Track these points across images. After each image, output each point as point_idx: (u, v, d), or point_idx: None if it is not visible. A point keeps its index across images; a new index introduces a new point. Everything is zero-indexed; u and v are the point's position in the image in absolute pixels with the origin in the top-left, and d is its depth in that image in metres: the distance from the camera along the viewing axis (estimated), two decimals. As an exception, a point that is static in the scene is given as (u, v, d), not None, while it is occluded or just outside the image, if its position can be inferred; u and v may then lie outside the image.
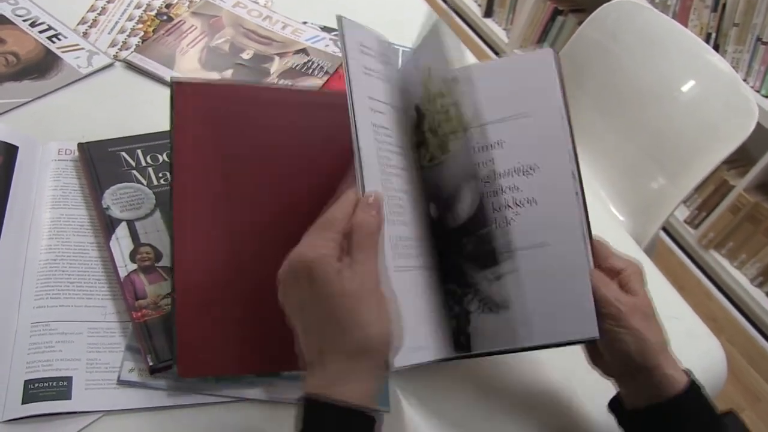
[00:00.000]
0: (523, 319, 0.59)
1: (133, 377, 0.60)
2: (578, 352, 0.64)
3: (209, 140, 0.62)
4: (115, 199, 0.72)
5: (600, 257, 0.60)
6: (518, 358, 0.70)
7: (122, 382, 0.60)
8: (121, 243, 0.68)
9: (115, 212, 0.70)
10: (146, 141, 0.78)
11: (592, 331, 0.57)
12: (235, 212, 0.62)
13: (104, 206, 0.71)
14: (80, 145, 0.76)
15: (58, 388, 0.57)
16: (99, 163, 0.74)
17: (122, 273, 0.66)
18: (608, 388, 0.62)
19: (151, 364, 0.60)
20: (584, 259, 0.59)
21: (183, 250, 0.60)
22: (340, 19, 0.57)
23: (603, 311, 0.56)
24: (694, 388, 0.57)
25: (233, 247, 0.61)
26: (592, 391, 0.67)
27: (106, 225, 0.69)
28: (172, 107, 0.62)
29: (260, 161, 0.64)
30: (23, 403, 0.56)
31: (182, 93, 0.62)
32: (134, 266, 0.66)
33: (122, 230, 0.69)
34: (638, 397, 0.58)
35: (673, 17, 1.91)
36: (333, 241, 0.50)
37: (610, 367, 0.61)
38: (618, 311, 0.56)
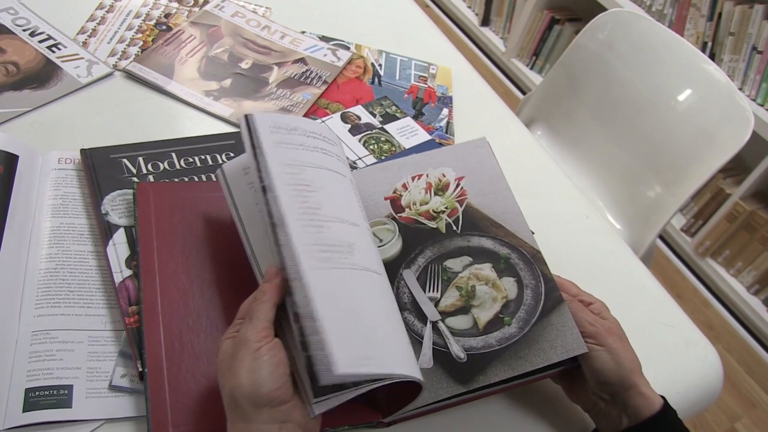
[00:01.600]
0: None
1: (125, 383, 0.60)
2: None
3: (165, 225, 0.69)
4: (114, 205, 0.72)
5: (571, 293, 0.67)
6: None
7: (114, 387, 0.60)
8: (117, 249, 0.68)
9: (114, 218, 0.71)
10: (148, 149, 0.79)
11: (581, 347, 0.61)
12: (194, 283, 0.67)
13: (103, 212, 0.71)
14: (83, 151, 0.77)
15: (59, 396, 0.58)
16: (100, 170, 0.75)
17: (117, 279, 0.66)
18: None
19: (140, 369, 0.60)
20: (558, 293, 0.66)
21: (152, 332, 0.61)
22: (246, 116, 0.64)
23: (582, 331, 0.62)
24: (669, 409, 0.61)
25: (197, 322, 0.65)
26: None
27: (104, 230, 0.70)
28: (134, 203, 0.70)
29: (210, 238, 0.71)
30: (24, 411, 0.56)
31: (142, 191, 0.71)
32: (129, 272, 0.67)
33: (120, 236, 0.70)
34: (618, 422, 0.62)
35: (669, 26, 1.92)
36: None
37: (589, 397, 0.64)
38: (596, 330, 0.62)
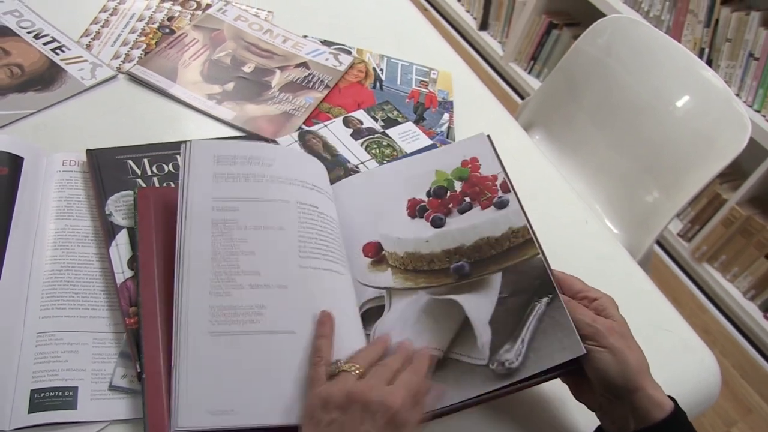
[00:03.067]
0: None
1: (125, 383, 0.61)
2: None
3: (166, 230, 0.69)
4: (118, 206, 0.72)
5: (575, 290, 0.65)
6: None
7: (114, 388, 0.60)
8: (120, 249, 0.69)
9: (117, 219, 0.71)
10: (153, 151, 0.79)
11: (578, 350, 0.59)
12: None
13: (107, 212, 0.72)
14: (88, 152, 0.77)
15: (64, 397, 0.58)
16: (105, 170, 0.76)
17: (119, 279, 0.67)
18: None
19: (139, 370, 0.60)
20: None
21: (150, 337, 0.62)
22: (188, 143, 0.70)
23: (581, 333, 0.60)
24: (680, 413, 0.59)
25: None
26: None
27: (107, 231, 0.70)
28: (135, 208, 0.71)
29: None
30: (30, 412, 0.57)
31: (143, 196, 0.72)
32: (131, 273, 0.67)
33: (122, 237, 0.70)
34: (625, 424, 0.59)
35: (667, 32, 1.93)
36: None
37: (595, 397, 0.62)
38: (595, 331, 0.59)
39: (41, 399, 0.57)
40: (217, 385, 0.58)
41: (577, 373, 0.61)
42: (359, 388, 0.54)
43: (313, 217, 0.69)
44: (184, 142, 0.69)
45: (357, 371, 0.57)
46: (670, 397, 0.60)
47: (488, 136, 0.76)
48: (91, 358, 0.61)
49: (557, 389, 0.68)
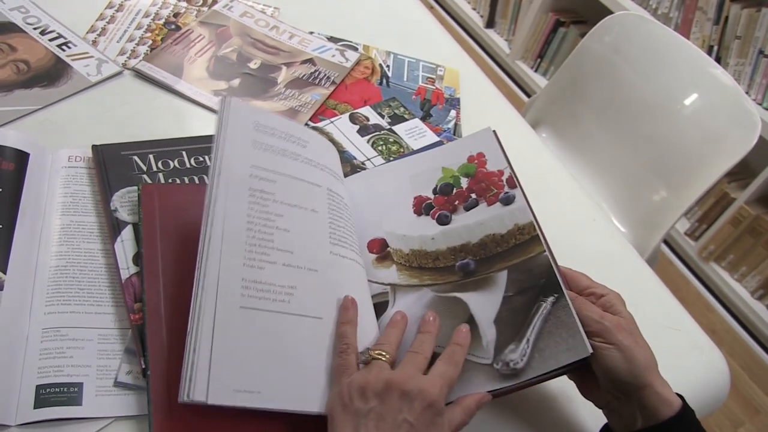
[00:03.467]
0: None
1: (130, 380, 0.61)
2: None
3: (169, 227, 0.69)
4: (123, 201, 0.72)
5: (582, 286, 0.64)
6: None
7: (119, 384, 0.60)
8: (125, 245, 0.69)
9: (123, 215, 0.71)
10: (159, 147, 0.79)
11: (584, 351, 0.58)
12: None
13: (112, 208, 0.71)
14: (94, 147, 0.77)
15: (69, 393, 0.58)
16: (111, 166, 0.75)
17: (124, 275, 0.66)
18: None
19: (143, 366, 0.60)
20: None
21: (155, 334, 0.61)
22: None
23: (588, 330, 0.59)
24: (688, 411, 0.58)
25: None
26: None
27: (112, 227, 0.70)
28: (139, 204, 0.71)
29: None
30: (35, 407, 0.56)
31: (147, 193, 0.71)
32: (136, 269, 0.67)
33: (128, 233, 0.70)
34: (633, 422, 0.59)
35: (675, 30, 1.92)
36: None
37: (602, 394, 0.61)
38: (603, 327, 0.59)
39: (47, 395, 0.57)
40: (245, 363, 0.55)
41: (584, 370, 0.61)
42: (398, 377, 0.54)
43: (340, 206, 0.69)
44: (223, 97, 0.66)
45: (387, 357, 0.57)
46: (678, 394, 0.59)
47: (494, 131, 0.75)
48: (96, 354, 0.61)
49: (564, 386, 0.68)
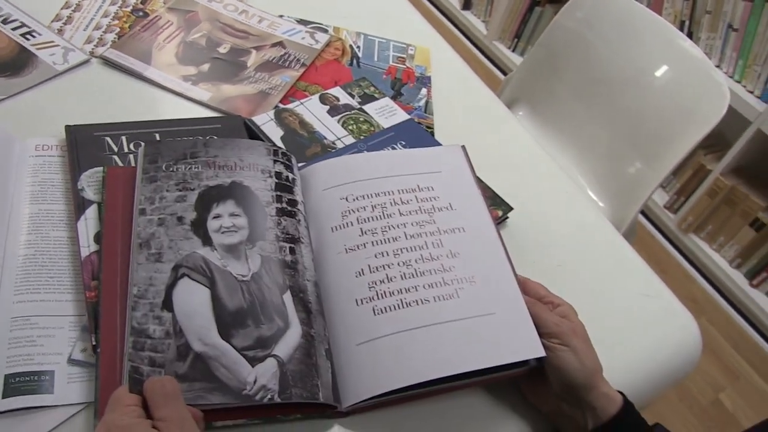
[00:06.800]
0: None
1: (83, 357, 0.60)
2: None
3: (129, 208, 0.68)
4: (90, 181, 0.72)
5: (539, 295, 0.68)
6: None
7: (72, 361, 0.60)
8: (88, 224, 0.68)
9: (89, 194, 0.71)
10: (132, 128, 0.79)
11: (538, 350, 0.62)
12: None
13: (79, 187, 0.71)
14: (67, 128, 0.77)
15: (40, 382, 0.57)
16: (82, 146, 0.75)
17: (84, 253, 0.66)
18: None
19: (94, 344, 0.59)
20: (517, 291, 0.67)
21: (109, 312, 0.60)
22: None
23: (546, 331, 0.63)
24: (629, 405, 0.62)
25: None
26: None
27: (77, 206, 0.70)
28: (103, 185, 0.70)
29: None
30: (4, 397, 0.56)
31: (112, 175, 0.71)
32: (96, 247, 0.67)
33: (92, 212, 0.70)
34: (583, 424, 0.62)
35: (648, 5, 1.93)
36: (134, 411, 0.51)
37: (551, 399, 0.64)
38: (560, 330, 0.62)
39: (17, 383, 0.57)
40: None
41: (532, 377, 0.65)
42: None
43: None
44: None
45: None
46: (618, 391, 0.63)
47: (463, 146, 0.78)
48: (68, 342, 0.61)
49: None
